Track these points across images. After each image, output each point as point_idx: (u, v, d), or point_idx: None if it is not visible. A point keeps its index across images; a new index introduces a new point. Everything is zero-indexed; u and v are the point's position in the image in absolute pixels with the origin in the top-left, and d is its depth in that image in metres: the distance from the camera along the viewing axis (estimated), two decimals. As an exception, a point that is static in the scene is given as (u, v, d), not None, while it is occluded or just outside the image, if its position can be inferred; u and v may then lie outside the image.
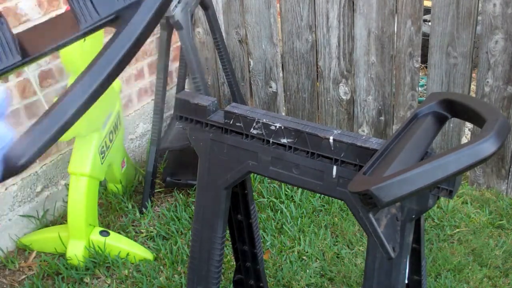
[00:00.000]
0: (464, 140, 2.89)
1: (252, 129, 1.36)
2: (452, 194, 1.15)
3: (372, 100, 2.83)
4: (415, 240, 1.32)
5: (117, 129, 2.62)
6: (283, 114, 3.15)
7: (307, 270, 2.29)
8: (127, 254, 2.39)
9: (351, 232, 2.49)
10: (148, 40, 2.99)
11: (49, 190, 2.64)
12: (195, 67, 2.54)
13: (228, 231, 1.66)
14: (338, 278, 2.25)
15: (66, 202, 2.51)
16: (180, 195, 2.78)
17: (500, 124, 0.97)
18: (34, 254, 2.47)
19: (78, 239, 2.34)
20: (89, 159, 2.35)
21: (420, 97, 3.16)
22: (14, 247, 2.51)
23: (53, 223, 2.65)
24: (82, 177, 2.33)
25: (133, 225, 2.62)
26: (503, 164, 2.65)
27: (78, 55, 2.11)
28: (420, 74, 2.93)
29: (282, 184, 2.70)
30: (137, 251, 2.41)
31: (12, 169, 0.65)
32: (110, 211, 2.70)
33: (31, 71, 2.42)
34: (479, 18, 2.56)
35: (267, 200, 2.67)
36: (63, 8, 2.51)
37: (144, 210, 2.69)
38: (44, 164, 2.59)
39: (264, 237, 2.45)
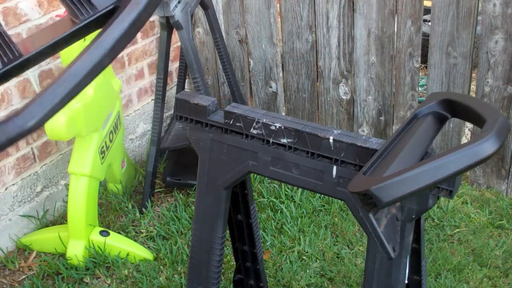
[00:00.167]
0: (464, 140, 2.89)
1: (252, 129, 1.36)
2: (452, 194, 1.15)
3: (372, 100, 2.83)
4: (415, 240, 1.32)
5: (117, 129, 2.62)
6: (283, 114, 3.15)
7: (307, 270, 2.29)
8: (127, 254, 2.39)
9: (351, 232, 2.49)
10: (148, 40, 3.01)
11: (49, 190, 2.64)
12: (195, 67, 2.54)
13: (228, 231, 1.66)
14: (338, 278, 2.25)
15: (66, 202, 2.51)
16: (180, 195, 2.78)
17: (500, 124, 0.97)
18: (34, 254, 2.47)
19: (78, 239, 2.34)
20: (89, 159, 2.35)
21: (420, 97, 3.16)
22: (14, 247, 2.51)
23: (53, 223, 2.65)
24: (82, 177, 2.33)
25: (133, 225, 2.62)
26: (503, 164, 2.65)
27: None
28: (420, 74, 2.93)
29: (282, 184, 2.70)
30: (137, 251, 2.41)
31: (21, 131, 0.67)
32: (110, 211, 2.70)
33: (31, 71, 2.42)
34: (479, 18, 2.56)
35: (267, 200, 2.67)
36: (63, 8, 2.51)
37: (144, 210, 2.70)
38: (44, 164, 2.59)
39: (264, 237, 2.45)
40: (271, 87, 3.12)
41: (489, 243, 2.39)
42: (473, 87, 2.87)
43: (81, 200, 2.32)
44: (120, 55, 2.86)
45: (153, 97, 2.82)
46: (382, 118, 2.85)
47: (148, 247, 2.49)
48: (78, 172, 2.33)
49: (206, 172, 1.46)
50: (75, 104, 2.24)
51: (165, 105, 3.10)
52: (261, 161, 1.36)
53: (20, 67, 0.76)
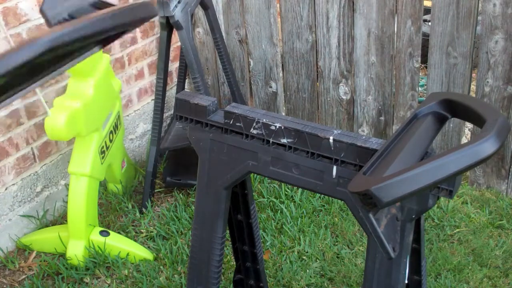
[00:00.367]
0: (464, 140, 2.89)
1: (252, 129, 1.36)
2: (452, 194, 1.15)
3: (372, 100, 2.83)
4: (415, 240, 1.32)
5: (117, 129, 2.62)
6: (283, 114, 3.15)
7: (307, 270, 2.29)
8: (127, 254, 2.39)
9: (351, 232, 2.49)
10: (148, 40, 3.01)
11: (49, 190, 2.64)
12: (195, 67, 2.54)
13: (228, 231, 1.66)
14: (338, 278, 2.25)
15: (66, 202, 2.51)
16: (180, 195, 2.78)
17: (500, 124, 0.97)
18: (34, 254, 2.47)
19: (78, 239, 2.34)
20: (89, 159, 2.35)
21: (420, 97, 3.16)
22: (14, 247, 2.51)
23: (53, 223, 2.65)
24: (82, 177, 2.33)
25: (133, 225, 2.62)
26: (503, 164, 2.65)
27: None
28: (420, 74, 2.93)
29: (282, 184, 2.70)
30: (137, 251, 2.41)
31: None
32: (110, 211, 2.70)
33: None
34: (479, 18, 2.56)
35: (267, 200, 2.67)
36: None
37: (144, 210, 2.70)
38: (44, 164, 2.59)
39: (264, 237, 2.45)
40: (271, 87, 3.12)
41: (489, 243, 2.39)
42: (473, 87, 2.87)
43: (81, 200, 2.32)
44: (120, 55, 2.86)
45: (153, 97, 2.82)
46: (382, 118, 2.85)
47: (148, 247, 2.49)
48: (78, 172, 2.33)
49: (206, 172, 1.46)
50: (75, 104, 2.24)
51: (165, 105, 3.10)
52: (261, 161, 1.36)
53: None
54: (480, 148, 0.92)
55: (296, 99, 3.07)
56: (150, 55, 3.05)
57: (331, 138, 1.26)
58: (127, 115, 3.00)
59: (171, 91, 3.22)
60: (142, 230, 2.58)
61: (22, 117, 2.44)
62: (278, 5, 2.93)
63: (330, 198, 2.64)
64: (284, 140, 1.32)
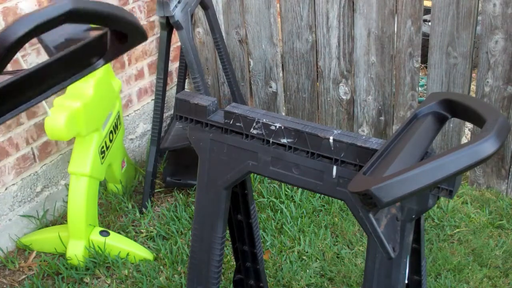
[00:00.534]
0: (464, 140, 2.89)
1: (252, 129, 1.36)
2: (452, 194, 1.15)
3: (372, 100, 2.83)
4: (415, 240, 1.32)
5: (117, 129, 2.62)
6: (283, 114, 3.15)
7: (307, 270, 2.29)
8: (127, 254, 2.39)
9: (351, 232, 2.49)
10: (148, 40, 3.00)
11: (49, 190, 2.65)
12: (195, 67, 2.54)
13: (228, 231, 1.66)
14: (338, 278, 2.25)
15: (66, 202, 2.51)
16: (180, 195, 2.78)
17: (500, 124, 0.97)
18: (34, 254, 2.47)
19: (78, 239, 2.34)
20: (89, 159, 2.35)
21: (420, 97, 3.16)
22: (14, 247, 2.51)
23: (53, 223, 2.65)
24: (82, 177, 2.33)
25: (133, 225, 2.62)
26: (503, 164, 2.65)
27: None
28: (420, 74, 2.93)
29: (282, 184, 2.70)
30: (137, 251, 2.41)
31: None
32: (110, 211, 2.70)
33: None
34: (479, 18, 2.56)
35: (267, 200, 2.67)
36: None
37: (144, 210, 2.70)
38: (44, 164, 2.59)
39: (264, 237, 2.45)
40: (271, 87, 3.12)
41: (489, 243, 2.39)
42: (473, 87, 2.87)
43: (81, 200, 2.32)
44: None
45: (153, 97, 2.82)
46: (382, 118, 2.85)
47: (148, 247, 2.49)
48: (78, 172, 2.33)
49: (206, 172, 1.46)
50: (75, 104, 2.24)
51: (165, 105, 3.10)
52: (261, 161, 1.36)
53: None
54: (480, 148, 0.92)
55: (296, 99, 3.07)
56: (150, 55, 3.05)
57: (331, 138, 1.26)
58: (127, 115, 3.00)
59: (171, 91, 3.22)
60: (142, 230, 2.58)
61: (22, 117, 2.44)
62: (278, 5, 2.93)
63: (330, 198, 2.64)
64: (284, 140, 1.32)
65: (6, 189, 2.44)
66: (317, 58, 2.90)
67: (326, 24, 2.78)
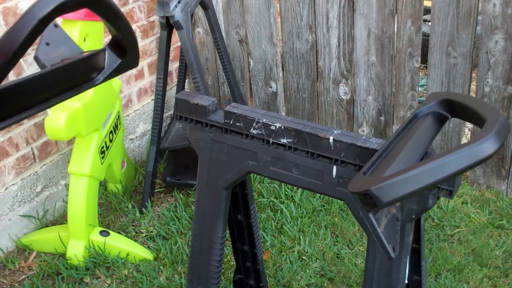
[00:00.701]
0: (464, 140, 2.89)
1: (252, 129, 1.36)
2: (452, 194, 1.15)
3: (372, 100, 2.83)
4: (415, 240, 1.32)
5: (117, 129, 2.62)
6: (283, 114, 3.15)
7: (307, 270, 2.29)
8: (127, 254, 2.39)
9: (351, 232, 2.49)
10: (148, 40, 3.01)
11: (49, 190, 2.65)
12: (195, 67, 2.54)
13: (228, 231, 1.66)
14: (338, 278, 2.25)
15: (66, 202, 2.51)
16: (180, 195, 2.78)
17: (500, 124, 0.97)
18: (34, 254, 2.47)
19: (78, 239, 2.34)
20: (89, 159, 2.35)
21: (420, 97, 3.16)
22: (14, 247, 2.51)
23: (53, 223, 2.65)
24: (82, 177, 2.33)
25: (133, 225, 2.62)
26: (503, 164, 2.65)
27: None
28: (420, 74, 2.93)
29: (282, 184, 2.70)
30: (137, 251, 2.41)
31: None
32: (110, 211, 2.70)
33: (30, 72, 2.42)
34: (479, 18, 2.56)
35: (267, 200, 2.67)
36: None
37: (144, 210, 2.70)
38: (44, 164, 2.59)
39: (264, 237, 2.45)
40: (271, 87, 3.12)
41: (489, 243, 2.39)
42: (473, 87, 2.87)
43: (81, 200, 2.32)
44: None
45: (153, 97, 2.82)
46: (382, 118, 2.85)
47: (148, 247, 2.49)
48: (78, 172, 2.33)
49: (206, 172, 1.46)
50: (75, 104, 2.24)
51: (165, 105, 3.11)
52: (261, 161, 1.36)
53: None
54: (480, 148, 0.92)
55: (296, 99, 3.07)
56: (150, 55, 3.05)
57: (331, 138, 1.26)
58: (127, 115, 3.00)
59: (171, 91, 3.22)
60: (142, 230, 2.58)
61: (22, 117, 2.44)
62: (278, 5, 2.93)
63: (330, 198, 2.64)
64: (284, 140, 1.32)
65: (6, 189, 2.44)
66: (317, 58, 2.90)
67: (326, 24, 2.78)
